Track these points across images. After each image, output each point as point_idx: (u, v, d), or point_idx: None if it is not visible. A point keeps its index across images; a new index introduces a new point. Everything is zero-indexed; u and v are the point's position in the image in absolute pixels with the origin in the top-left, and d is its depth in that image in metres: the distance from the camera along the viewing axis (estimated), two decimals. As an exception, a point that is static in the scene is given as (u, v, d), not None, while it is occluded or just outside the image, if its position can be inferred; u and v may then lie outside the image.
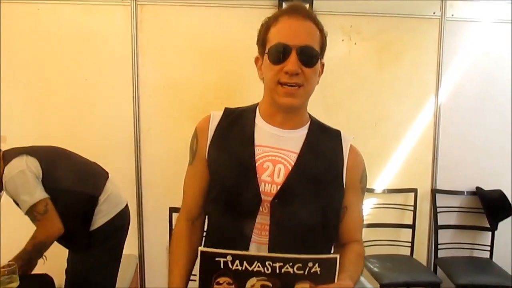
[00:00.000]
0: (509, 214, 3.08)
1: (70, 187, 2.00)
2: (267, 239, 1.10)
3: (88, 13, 2.77)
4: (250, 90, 2.65)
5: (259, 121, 1.19)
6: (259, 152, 1.14)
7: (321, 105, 2.92)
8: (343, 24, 2.95)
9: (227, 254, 0.93)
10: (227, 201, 1.15)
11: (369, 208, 3.08)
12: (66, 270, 2.16)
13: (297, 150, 1.15)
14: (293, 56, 1.06)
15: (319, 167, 1.16)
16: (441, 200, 3.11)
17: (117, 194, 2.16)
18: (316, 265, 0.93)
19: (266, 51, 1.11)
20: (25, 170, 1.89)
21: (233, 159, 1.16)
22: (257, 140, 1.16)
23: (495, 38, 3.07)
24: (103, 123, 2.85)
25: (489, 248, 3.08)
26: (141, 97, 2.86)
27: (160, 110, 2.89)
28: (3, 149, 2.11)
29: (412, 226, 3.06)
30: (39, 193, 1.89)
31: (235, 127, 1.19)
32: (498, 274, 2.83)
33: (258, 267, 0.93)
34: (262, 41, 1.15)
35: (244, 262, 0.93)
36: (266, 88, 1.16)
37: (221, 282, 0.93)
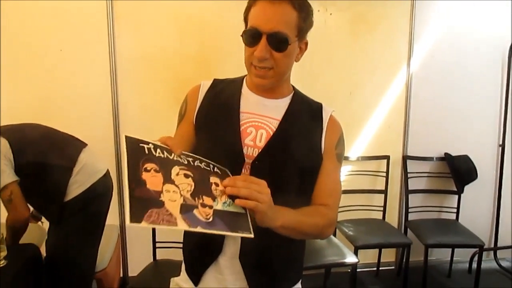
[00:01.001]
0: (474, 178, 3.27)
1: (41, 161, 2.01)
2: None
3: (61, -19, 2.70)
4: (228, 62, 2.70)
5: (245, 91, 1.26)
6: (243, 118, 1.21)
7: (297, 75, 2.90)
8: (319, -6, 2.98)
9: (149, 142, 0.97)
10: (213, 161, 1.18)
11: (344, 175, 3.19)
12: (46, 241, 2.18)
13: (279, 117, 1.22)
14: (262, 42, 1.10)
15: (299, 133, 1.22)
16: (411, 166, 3.25)
17: (93, 164, 2.16)
18: (216, 168, 1.07)
19: (242, 33, 1.16)
20: None
21: (220, 124, 1.22)
22: (242, 107, 1.22)
23: (464, 9, 3.18)
24: (80, 95, 2.81)
25: (455, 211, 3.27)
26: (118, 69, 2.82)
27: (138, 81, 2.87)
28: None
29: (385, 192, 3.20)
30: (5, 179, 1.91)
31: (223, 95, 1.26)
32: (464, 234, 3.02)
33: (176, 157, 0.99)
34: (245, 20, 1.19)
35: (164, 151, 0.98)
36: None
37: (148, 168, 0.92)
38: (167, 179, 0.93)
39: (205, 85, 1.28)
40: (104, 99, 2.84)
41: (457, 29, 3.19)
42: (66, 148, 2.13)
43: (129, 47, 2.83)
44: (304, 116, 1.25)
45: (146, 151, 0.94)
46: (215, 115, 1.23)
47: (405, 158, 3.25)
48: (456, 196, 3.27)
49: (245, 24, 1.19)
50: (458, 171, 3.24)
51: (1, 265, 1.82)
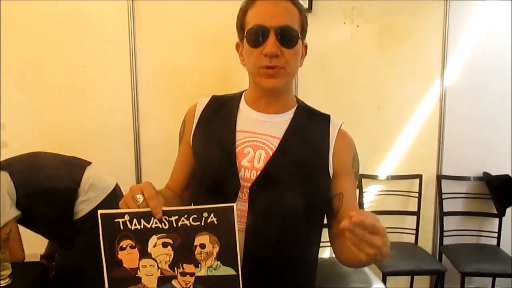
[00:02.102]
0: (517, 200, 3.01)
1: (44, 187, 2.01)
2: (244, 226, 1.06)
3: (85, -1, 2.74)
4: (247, 76, 2.61)
5: (243, 106, 1.17)
6: (240, 137, 1.12)
7: (322, 90, 2.86)
8: (345, 6, 2.87)
9: (125, 213, 0.92)
10: (209, 186, 1.13)
11: (372, 195, 3.03)
12: (55, 259, 2.17)
13: (279, 135, 1.12)
14: (271, 38, 1.03)
15: (302, 152, 1.11)
16: (447, 186, 3.03)
17: (101, 179, 2.15)
18: (212, 214, 0.92)
19: (245, 34, 1.09)
20: None
21: (215, 145, 1.14)
22: (239, 126, 1.14)
23: (501, 17, 2.96)
24: (101, 110, 2.84)
25: (496, 235, 3.00)
26: (139, 84, 2.83)
27: (159, 96, 2.86)
28: (3, 136, 2.33)
29: (417, 213, 2.99)
30: (5, 217, 1.91)
31: (220, 113, 1.18)
32: (506, 262, 2.75)
33: (156, 223, 0.92)
34: (240, 25, 1.12)
35: (142, 220, 0.92)
36: (249, 73, 1.14)
37: (124, 246, 0.92)
38: (143, 254, 0.93)
39: (202, 103, 1.21)
40: (125, 113, 2.85)
41: (495, 39, 2.97)
42: (69, 170, 2.13)
43: (150, 62, 2.83)
44: (308, 132, 1.15)
45: (121, 226, 0.92)
46: (210, 135, 1.16)
47: (440, 178, 3.03)
48: (497, 219, 3.00)
49: (241, 31, 1.12)
50: (498, 192, 2.99)
51: (5, 284, 1.78)
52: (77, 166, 2.15)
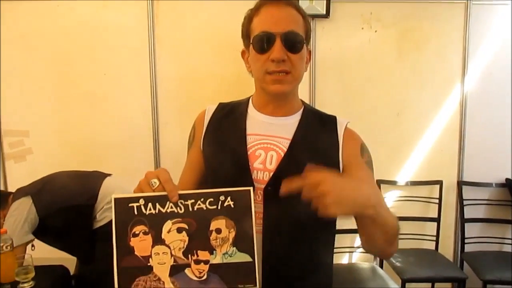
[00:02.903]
0: (541, 207, 2.94)
1: (63, 207, 2.11)
2: (261, 228, 1.08)
3: (106, 8, 2.80)
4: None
5: (251, 111, 1.20)
6: (251, 140, 1.15)
7: (341, 95, 2.85)
8: (363, 11, 2.86)
9: (140, 197, 0.90)
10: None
11: (392, 201, 2.99)
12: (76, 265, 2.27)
13: (289, 136, 1.14)
14: (277, 43, 1.06)
15: (312, 151, 1.14)
16: (468, 193, 2.98)
17: (122, 189, 2.20)
18: (229, 198, 0.92)
19: (251, 41, 1.12)
20: (16, 215, 2.05)
21: (226, 149, 1.16)
22: (249, 129, 1.16)
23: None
24: (122, 117, 2.89)
25: (519, 243, 2.94)
26: (158, 91, 2.88)
27: (178, 103, 2.90)
28: (26, 143, 2.57)
29: (437, 219, 2.95)
30: (18, 239, 2.01)
31: (229, 119, 1.21)
32: (529, 270, 2.69)
33: (171, 207, 0.90)
34: (246, 33, 1.15)
35: (157, 204, 0.90)
36: (255, 79, 1.17)
37: (137, 232, 0.89)
38: (157, 240, 0.90)
39: (210, 109, 1.24)
40: (145, 119, 2.90)
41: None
42: (85, 186, 2.22)
43: (169, 69, 2.88)
44: (316, 132, 1.17)
45: (135, 211, 0.90)
46: (221, 140, 1.18)
47: (460, 184, 2.98)
48: (520, 227, 2.95)
49: (247, 38, 1.15)
50: (522, 198, 2.93)
51: (29, 286, 1.83)
52: (94, 180, 2.24)
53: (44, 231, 2.08)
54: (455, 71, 2.94)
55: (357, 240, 2.96)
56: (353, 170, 1.13)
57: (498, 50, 2.92)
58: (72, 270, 2.26)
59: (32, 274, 1.85)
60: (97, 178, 2.25)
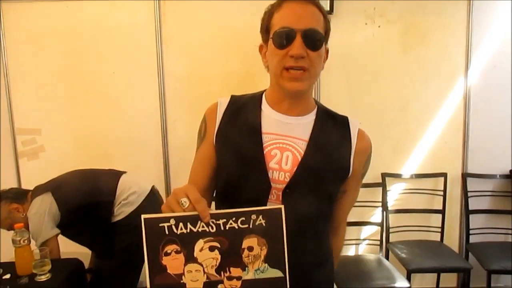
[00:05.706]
0: (545, 198, 2.97)
1: (83, 203, 2.19)
2: None
3: (114, 8, 2.85)
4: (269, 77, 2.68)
5: (265, 108, 1.18)
6: (266, 139, 1.13)
7: (345, 91, 2.89)
8: (366, 7, 2.89)
9: (170, 217, 0.89)
10: (236, 188, 1.14)
11: (397, 193, 3.04)
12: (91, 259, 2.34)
13: (305, 137, 1.14)
14: (298, 40, 1.05)
15: (329, 153, 1.14)
16: (472, 184, 3.02)
17: (138, 184, 2.31)
18: (260, 217, 0.91)
19: (271, 36, 1.10)
20: (39, 211, 2.12)
21: (241, 147, 1.14)
22: (264, 127, 1.14)
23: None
24: (131, 115, 2.95)
25: (524, 233, 2.97)
26: (166, 89, 2.93)
27: (185, 101, 2.94)
28: (39, 141, 2.67)
29: (442, 211, 2.99)
30: (45, 234, 2.10)
31: (242, 114, 1.18)
32: (534, 260, 2.72)
33: (203, 226, 0.90)
34: (265, 28, 1.13)
35: (188, 223, 0.90)
36: (272, 75, 1.15)
37: (169, 251, 0.89)
38: (189, 259, 0.91)
39: (223, 102, 1.20)
40: (153, 117, 2.95)
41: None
42: (104, 182, 2.30)
43: (177, 68, 2.92)
44: (332, 134, 1.18)
45: (167, 231, 0.90)
46: (236, 135, 1.15)
47: (465, 176, 3.02)
48: (524, 217, 2.98)
49: (266, 33, 1.14)
50: (526, 189, 2.96)
51: (46, 278, 1.90)
52: (112, 178, 2.31)
53: (65, 226, 2.15)
54: (459, 65, 2.97)
55: (363, 232, 3.02)
56: (351, 177, 1.19)
57: (500, 44, 2.95)
58: (86, 264, 2.33)
59: (49, 267, 1.92)
60: (114, 176, 2.33)
